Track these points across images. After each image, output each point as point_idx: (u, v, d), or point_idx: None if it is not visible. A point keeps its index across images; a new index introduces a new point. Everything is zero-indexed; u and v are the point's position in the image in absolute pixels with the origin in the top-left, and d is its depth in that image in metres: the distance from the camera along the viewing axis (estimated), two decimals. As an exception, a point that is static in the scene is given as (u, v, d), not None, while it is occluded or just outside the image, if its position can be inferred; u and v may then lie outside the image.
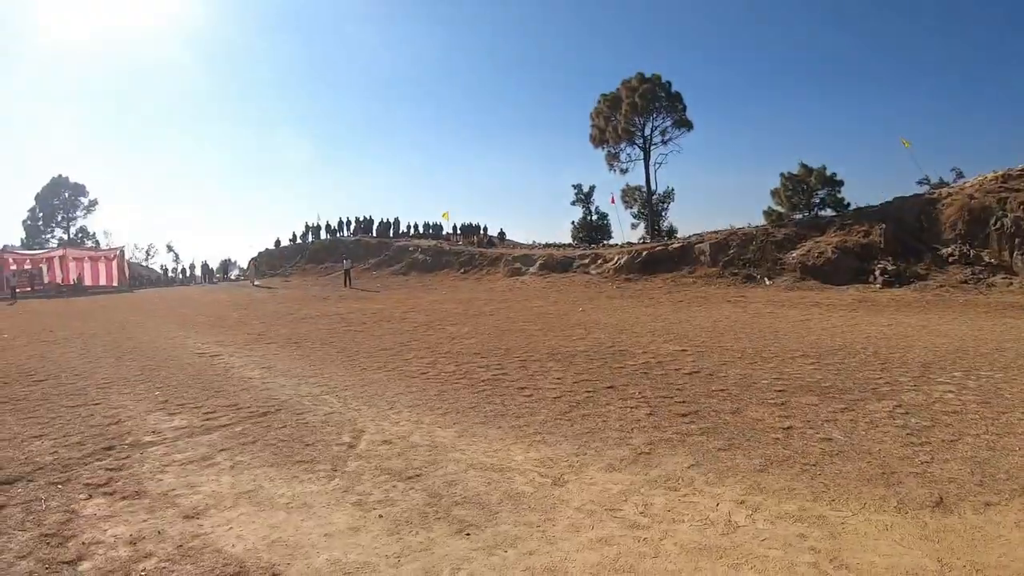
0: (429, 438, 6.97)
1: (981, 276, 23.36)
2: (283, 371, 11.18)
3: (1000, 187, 26.71)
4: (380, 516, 4.95)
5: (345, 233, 56.47)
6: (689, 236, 32.56)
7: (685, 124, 45.48)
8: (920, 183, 33.89)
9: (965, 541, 4.53)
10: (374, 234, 55.01)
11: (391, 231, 55.39)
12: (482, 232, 52.58)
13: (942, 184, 31.28)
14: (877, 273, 23.04)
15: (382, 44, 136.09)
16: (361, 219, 57.20)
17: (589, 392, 8.75)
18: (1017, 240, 24.22)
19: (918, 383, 8.98)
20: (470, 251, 42.91)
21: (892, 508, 4.98)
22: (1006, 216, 24.85)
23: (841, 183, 37.56)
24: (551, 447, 6.51)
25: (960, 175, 33.15)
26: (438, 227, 54.52)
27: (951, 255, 24.38)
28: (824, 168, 37.77)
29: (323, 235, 57.27)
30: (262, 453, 6.58)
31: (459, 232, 53.29)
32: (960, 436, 6.78)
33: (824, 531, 4.54)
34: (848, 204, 35.41)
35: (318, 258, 52.75)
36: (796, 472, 5.63)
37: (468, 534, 4.57)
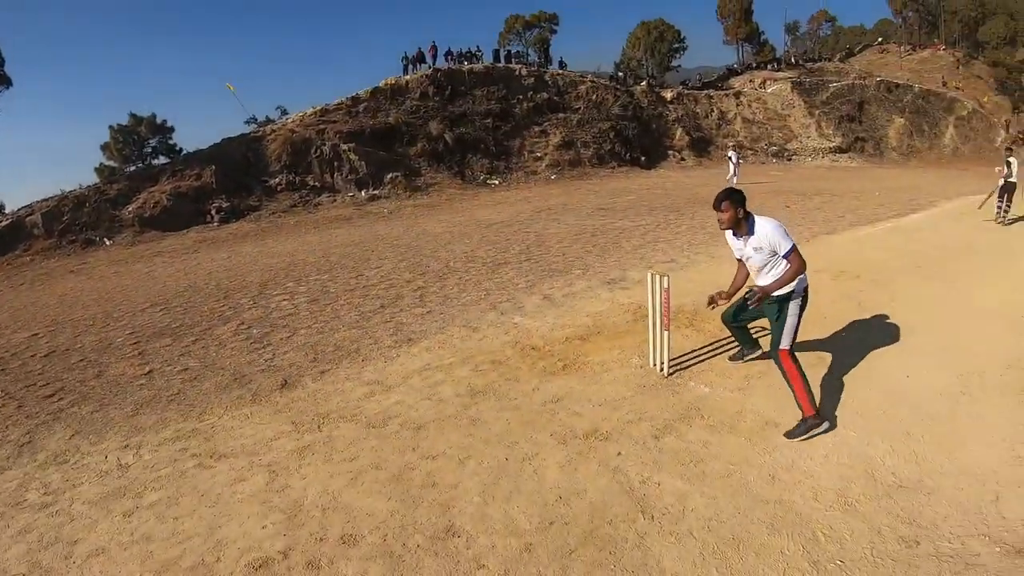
0: None
1: (308, 198, 26.64)
2: None
3: (319, 120, 30.70)
4: None
5: None
6: (18, 210, 28.92)
7: (4, 81, 39.09)
8: (248, 123, 35.17)
9: (310, 403, 6.03)
10: None
11: None
12: None
13: (269, 122, 33.02)
14: (213, 212, 24.03)
15: None
16: None
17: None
18: (336, 163, 28.61)
19: (257, 300, 10.38)
20: None
21: (249, 401, 6.16)
22: (325, 144, 28.88)
23: (172, 129, 37.28)
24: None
25: (284, 112, 35.50)
26: None
27: (279, 184, 26.89)
28: (154, 116, 36.77)
29: None
30: None
31: None
32: (295, 331, 8.32)
33: (199, 439, 5.42)
34: (181, 150, 35.39)
35: None
36: (164, 404, 6.32)
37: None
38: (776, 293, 4.96)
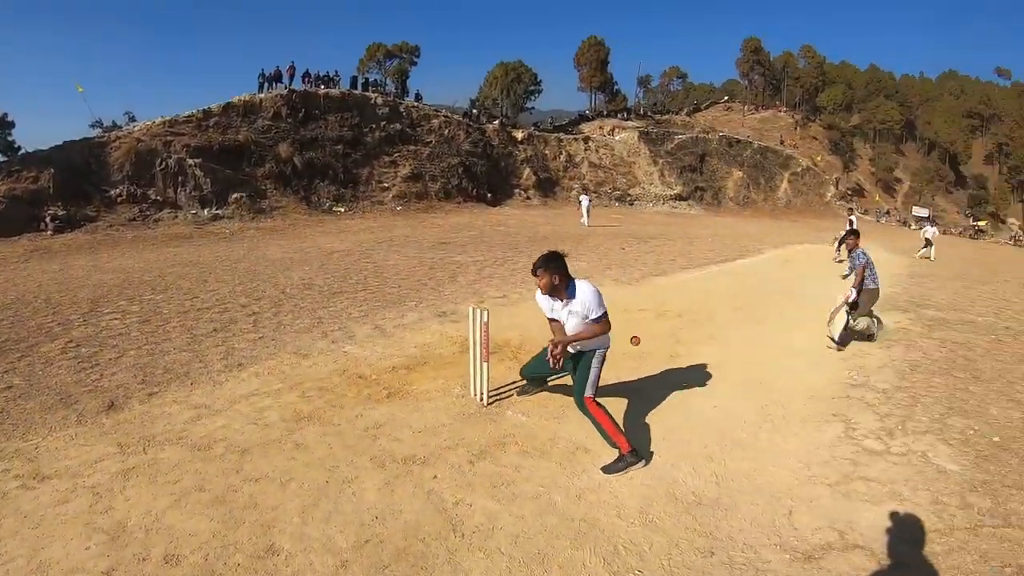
0: None
1: (149, 213, 25.80)
2: None
3: (167, 131, 29.79)
4: None
5: None
6: None
7: None
8: (93, 126, 33.39)
9: (137, 425, 6.14)
10: None
11: None
12: None
13: (115, 127, 31.39)
14: (48, 220, 22.68)
15: None
16: None
17: None
18: (180, 178, 27.99)
19: (87, 318, 10.27)
20: None
21: (74, 422, 6.19)
22: (171, 157, 28.11)
23: (12, 124, 35.15)
24: None
25: (132, 119, 33.78)
26: None
27: (120, 196, 25.81)
28: (-6, 109, 34.62)
29: None
30: None
31: None
32: (124, 352, 8.44)
33: (22, 459, 5.39)
34: (19, 148, 33.48)
35: None
36: (-12, 423, 6.24)
37: None
38: (579, 347, 5.29)
